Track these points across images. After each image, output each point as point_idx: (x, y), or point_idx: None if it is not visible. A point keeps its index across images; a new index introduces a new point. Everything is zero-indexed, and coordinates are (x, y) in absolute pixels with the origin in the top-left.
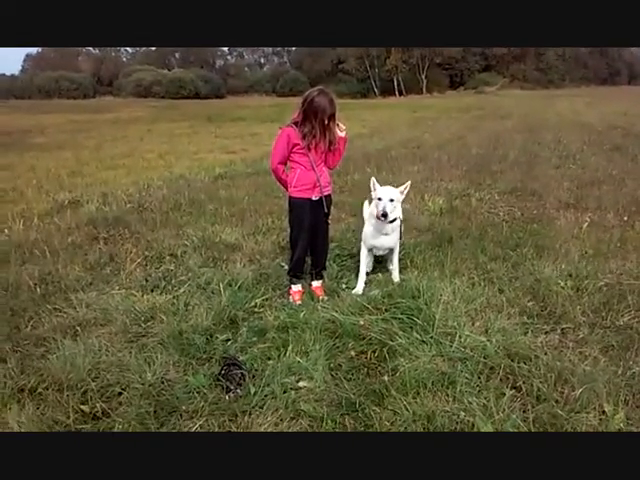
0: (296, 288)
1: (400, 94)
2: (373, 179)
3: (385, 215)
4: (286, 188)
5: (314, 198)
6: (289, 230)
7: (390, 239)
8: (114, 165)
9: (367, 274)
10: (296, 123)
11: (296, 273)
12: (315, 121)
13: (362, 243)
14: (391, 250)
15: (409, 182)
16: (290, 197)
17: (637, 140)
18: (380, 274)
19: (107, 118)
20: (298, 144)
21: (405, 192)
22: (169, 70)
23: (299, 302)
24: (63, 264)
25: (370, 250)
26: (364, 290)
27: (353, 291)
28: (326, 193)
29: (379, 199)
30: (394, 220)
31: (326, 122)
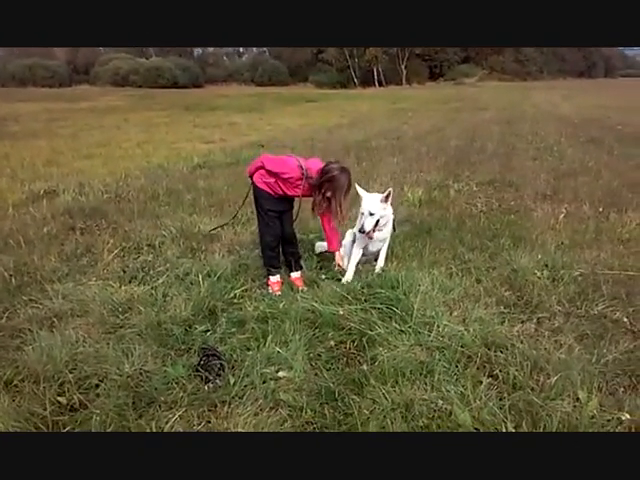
0: (274, 279)
1: (380, 84)
2: (357, 186)
3: (363, 231)
4: (251, 174)
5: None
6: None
7: (378, 238)
8: (90, 154)
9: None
10: (309, 178)
11: (273, 264)
12: (332, 196)
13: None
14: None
15: (390, 189)
16: (255, 185)
17: (613, 132)
18: (360, 265)
19: (83, 107)
20: (288, 184)
21: (389, 199)
22: (147, 59)
23: (279, 293)
24: (39, 255)
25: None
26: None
27: (343, 279)
28: None
29: (362, 213)
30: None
31: (340, 199)
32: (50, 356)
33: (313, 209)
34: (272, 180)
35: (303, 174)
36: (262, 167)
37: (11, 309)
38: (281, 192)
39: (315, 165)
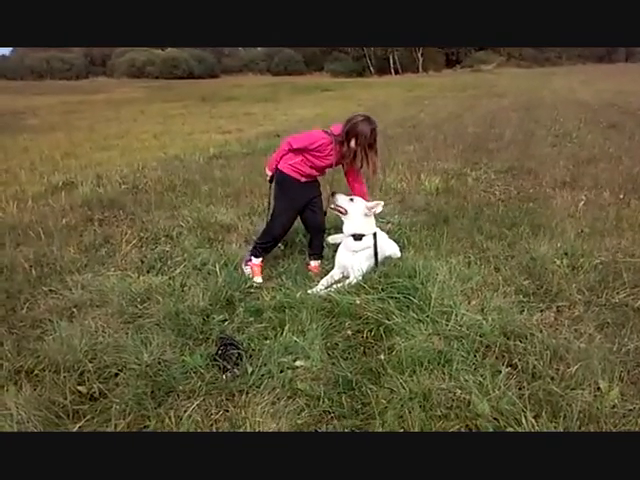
0: (258, 261)
1: (396, 72)
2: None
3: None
4: (274, 166)
5: (303, 180)
6: (273, 204)
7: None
8: (108, 146)
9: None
10: (335, 137)
11: (266, 252)
12: (355, 144)
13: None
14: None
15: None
16: (280, 171)
17: (633, 118)
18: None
19: (100, 99)
20: (318, 153)
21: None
22: (162, 50)
23: (258, 277)
24: (58, 246)
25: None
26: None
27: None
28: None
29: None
30: (359, 237)
31: (365, 148)
32: (70, 346)
33: (342, 164)
34: (299, 159)
35: (332, 137)
36: (289, 150)
37: (31, 300)
38: (309, 170)
39: (338, 127)
